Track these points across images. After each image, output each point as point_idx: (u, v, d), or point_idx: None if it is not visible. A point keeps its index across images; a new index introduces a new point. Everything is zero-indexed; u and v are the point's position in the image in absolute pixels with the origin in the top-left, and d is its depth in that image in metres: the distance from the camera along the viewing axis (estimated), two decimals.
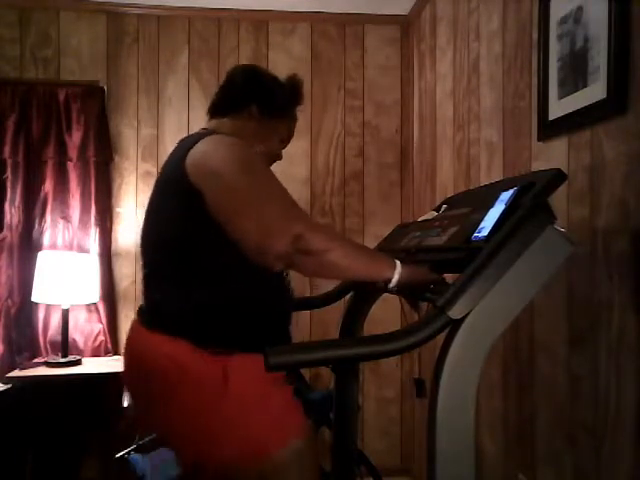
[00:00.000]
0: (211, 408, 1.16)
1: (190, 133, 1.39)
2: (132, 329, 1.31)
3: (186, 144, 1.23)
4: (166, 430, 1.25)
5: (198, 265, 1.21)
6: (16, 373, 2.42)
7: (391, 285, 1.14)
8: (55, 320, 2.67)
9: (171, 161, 1.26)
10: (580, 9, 1.36)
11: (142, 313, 1.29)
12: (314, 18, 2.92)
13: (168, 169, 1.27)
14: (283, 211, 1.11)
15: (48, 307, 2.67)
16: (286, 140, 1.47)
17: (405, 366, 2.93)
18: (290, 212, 1.12)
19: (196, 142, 1.20)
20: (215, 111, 1.41)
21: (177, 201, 1.19)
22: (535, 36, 1.58)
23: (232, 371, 1.16)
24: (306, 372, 2.73)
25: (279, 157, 1.46)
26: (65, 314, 2.52)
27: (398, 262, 1.14)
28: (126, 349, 1.31)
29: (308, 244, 1.07)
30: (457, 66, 2.26)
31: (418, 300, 1.26)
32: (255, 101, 1.36)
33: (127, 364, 1.30)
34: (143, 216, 1.33)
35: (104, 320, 2.72)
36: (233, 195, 1.14)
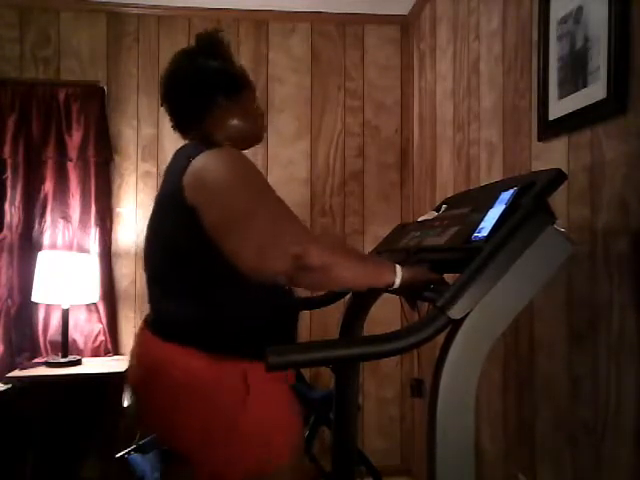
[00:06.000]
0: (231, 419, 1.15)
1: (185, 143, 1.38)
2: (140, 338, 1.28)
3: (182, 158, 1.21)
4: (180, 441, 1.22)
5: (199, 276, 1.20)
6: (16, 373, 2.42)
7: (393, 289, 1.15)
8: (55, 320, 2.66)
9: (169, 176, 1.26)
10: (580, 9, 1.36)
11: (150, 322, 1.27)
12: (314, 18, 2.92)
13: (167, 184, 1.26)
14: (278, 232, 1.09)
15: (48, 307, 2.66)
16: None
17: (405, 366, 2.93)
18: (286, 231, 1.09)
19: (192, 156, 1.18)
20: (187, 127, 1.40)
21: (175, 217, 1.19)
22: (535, 36, 1.58)
23: (251, 383, 1.16)
24: (306, 372, 2.73)
25: (264, 127, 1.44)
26: (65, 314, 2.52)
27: (398, 266, 1.15)
28: (135, 359, 1.28)
29: (309, 262, 1.05)
30: (457, 66, 2.26)
31: (418, 300, 1.26)
32: (217, 94, 1.34)
33: (137, 374, 1.27)
34: (145, 230, 1.33)
35: (104, 320, 2.71)
36: (227, 216, 1.12)
